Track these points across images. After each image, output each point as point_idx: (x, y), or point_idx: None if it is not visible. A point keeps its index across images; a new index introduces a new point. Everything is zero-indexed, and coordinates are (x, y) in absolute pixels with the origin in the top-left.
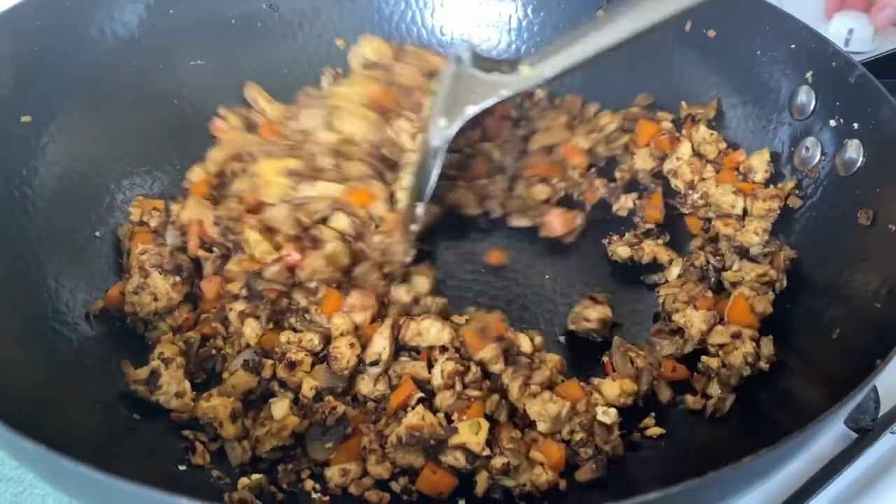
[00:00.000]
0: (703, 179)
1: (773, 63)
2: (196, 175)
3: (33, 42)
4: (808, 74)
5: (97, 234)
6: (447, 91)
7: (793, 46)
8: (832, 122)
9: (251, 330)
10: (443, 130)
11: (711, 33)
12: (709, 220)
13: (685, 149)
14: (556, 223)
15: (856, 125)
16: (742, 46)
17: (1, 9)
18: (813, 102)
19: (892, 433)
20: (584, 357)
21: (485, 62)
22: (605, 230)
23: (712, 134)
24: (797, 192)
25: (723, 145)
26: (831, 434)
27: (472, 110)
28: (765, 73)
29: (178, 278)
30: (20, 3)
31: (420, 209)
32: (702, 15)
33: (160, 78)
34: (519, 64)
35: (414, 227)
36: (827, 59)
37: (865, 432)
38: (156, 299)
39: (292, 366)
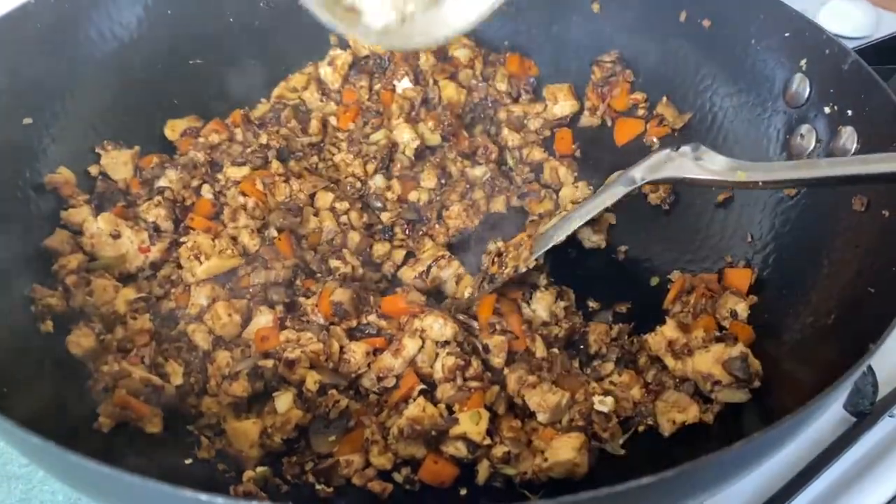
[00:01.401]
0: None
1: (767, 51)
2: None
3: (32, 44)
4: (803, 62)
5: None
6: (652, 161)
7: (787, 35)
8: (826, 110)
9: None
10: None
11: (706, 23)
12: None
13: None
14: None
15: (850, 112)
16: (736, 35)
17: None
18: (807, 90)
19: (890, 417)
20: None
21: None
22: None
23: None
24: None
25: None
26: (830, 418)
27: (670, 174)
28: (759, 62)
29: None
30: (20, 5)
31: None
32: (697, 5)
33: (160, 77)
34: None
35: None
36: (821, 46)
37: (864, 416)
38: None
39: (291, 364)
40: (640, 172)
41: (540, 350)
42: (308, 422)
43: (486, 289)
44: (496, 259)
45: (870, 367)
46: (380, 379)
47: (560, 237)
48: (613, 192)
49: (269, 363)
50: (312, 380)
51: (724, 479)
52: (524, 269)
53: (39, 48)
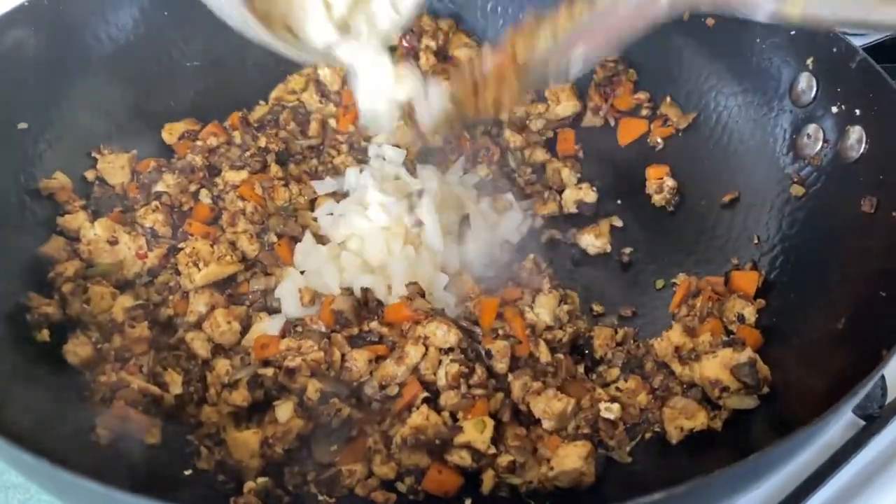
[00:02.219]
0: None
1: (773, 50)
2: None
3: (27, 48)
4: (809, 61)
5: None
6: None
7: (793, 33)
8: (834, 109)
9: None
10: None
11: (710, 21)
12: None
13: None
14: None
15: (857, 111)
16: (741, 34)
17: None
18: (814, 89)
19: None
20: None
21: None
22: None
23: None
24: (800, 180)
25: None
26: (839, 423)
27: None
28: (765, 61)
29: None
30: (14, 8)
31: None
32: None
33: (157, 80)
34: None
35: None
36: (827, 44)
37: (873, 420)
38: None
39: (291, 373)
40: None
41: (544, 355)
42: (309, 431)
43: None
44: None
45: None
46: (382, 387)
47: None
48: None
49: (270, 371)
50: (313, 388)
51: (735, 491)
52: (507, 109)
53: (34, 51)
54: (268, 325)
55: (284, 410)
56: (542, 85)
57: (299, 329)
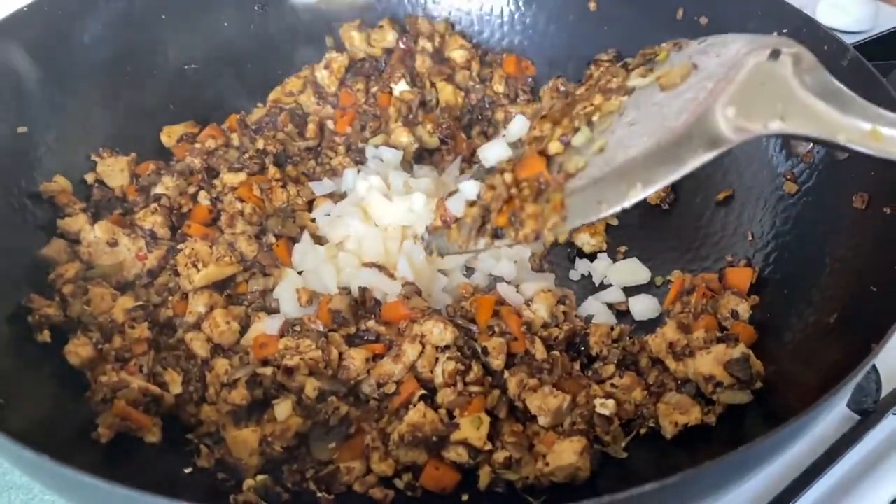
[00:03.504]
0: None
1: None
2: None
3: (26, 52)
4: None
5: None
6: (743, 82)
7: (784, 31)
8: None
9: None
10: (734, 125)
11: (704, 20)
12: None
13: None
14: None
15: None
16: (734, 32)
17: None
18: None
19: (894, 414)
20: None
21: (818, 78)
22: None
23: None
24: (793, 177)
25: None
26: (834, 417)
27: (776, 127)
28: None
29: None
30: (13, 13)
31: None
32: (693, 2)
33: (156, 83)
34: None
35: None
36: (819, 42)
37: (868, 414)
38: None
39: (289, 371)
40: (731, 122)
41: (540, 352)
42: (308, 429)
43: (483, 244)
44: (504, 207)
45: (873, 365)
46: (380, 385)
47: (614, 208)
48: (694, 157)
49: (268, 371)
50: (311, 387)
51: (728, 482)
52: (550, 240)
53: (33, 55)
54: (266, 325)
55: (283, 409)
56: (592, 217)
57: (297, 328)
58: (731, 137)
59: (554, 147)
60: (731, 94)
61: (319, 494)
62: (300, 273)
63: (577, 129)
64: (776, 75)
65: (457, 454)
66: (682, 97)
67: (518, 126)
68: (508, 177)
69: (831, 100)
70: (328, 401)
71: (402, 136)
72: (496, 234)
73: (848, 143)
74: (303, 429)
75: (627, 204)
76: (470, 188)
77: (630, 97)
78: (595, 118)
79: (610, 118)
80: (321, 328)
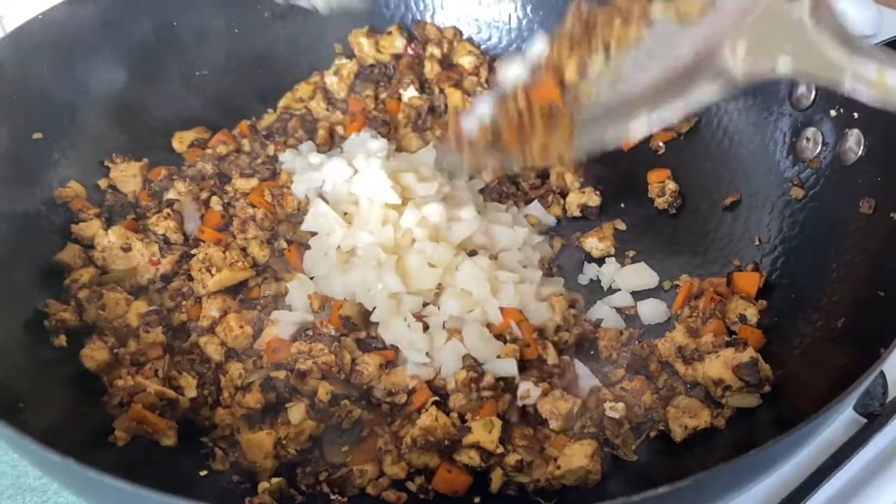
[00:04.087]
0: None
1: None
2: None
3: (41, 59)
4: None
5: None
6: (758, 18)
7: None
8: (832, 112)
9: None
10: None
11: None
12: None
13: None
14: None
15: (855, 114)
16: None
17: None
18: (813, 93)
19: None
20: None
21: (832, 22)
22: None
23: None
24: (800, 182)
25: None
26: (840, 420)
27: (784, 64)
28: None
29: None
30: (29, 20)
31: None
32: None
33: (167, 89)
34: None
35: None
36: None
37: (874, 417)
38: None
39: (302, 375)
40: (740, 57)
41: (552, 358)
42: (321, 432)
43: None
44: (515, 131)
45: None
46: (392, 393)
47: (620, 139)
48: (699, 90)
49: (282, 374)
50: (325, 390)
51: (738, 486)
52: (556, 159)
53: (48, 62)
54: (279, 330)
55: (297, 412)
56: (597, 147)
57: (310, 333)
58: (738, 74)
59: (570, 74)
60: (743, 30)
61: (333, 497)
62: (312, 278)
63: (594, 54)
64: (791, 15)
65: (469, 457)
66: (695, 29)
67: (539, 46)
68: (522, 100)
69: (843, 42)
70: (341, 404)
71: (412, 142)
72: (506, 157)
73: (854, 84)
74: (316, 432)
75: (632, 135)
76: (483, 106)
77: (649, 29)
78: (612, 47)
79: (626, 49)
80: (333, 333)
